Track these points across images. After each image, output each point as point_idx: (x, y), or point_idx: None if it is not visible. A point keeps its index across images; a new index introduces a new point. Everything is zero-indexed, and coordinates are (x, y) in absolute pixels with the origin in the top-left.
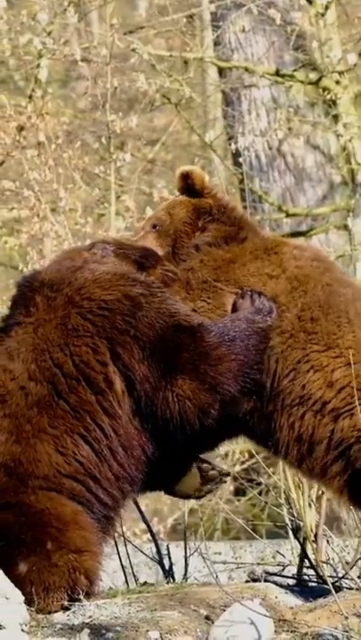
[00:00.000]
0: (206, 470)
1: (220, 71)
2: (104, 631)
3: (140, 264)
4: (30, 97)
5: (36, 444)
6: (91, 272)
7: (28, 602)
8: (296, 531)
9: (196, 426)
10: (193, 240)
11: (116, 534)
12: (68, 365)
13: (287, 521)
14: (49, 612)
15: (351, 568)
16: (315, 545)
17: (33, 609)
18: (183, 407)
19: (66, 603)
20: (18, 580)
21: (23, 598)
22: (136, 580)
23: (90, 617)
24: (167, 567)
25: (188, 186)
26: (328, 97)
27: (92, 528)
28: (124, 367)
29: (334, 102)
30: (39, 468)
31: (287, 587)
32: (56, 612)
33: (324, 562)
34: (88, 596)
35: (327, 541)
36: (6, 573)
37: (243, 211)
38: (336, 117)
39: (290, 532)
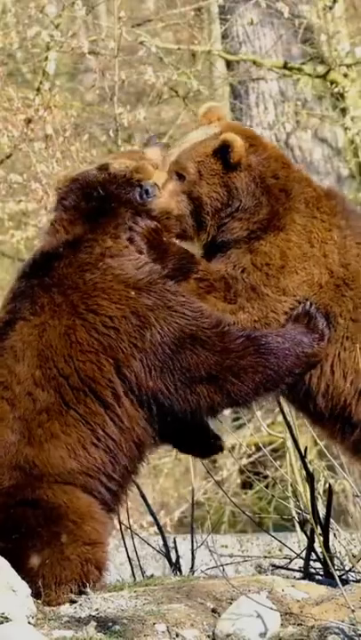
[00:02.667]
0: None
1: (228, 64)
2: (111, 624)
3: (172, 276)
4: (38, 90)
5: (50, 450)
6: (102, 275)
7: (38, 595)
8: (303, 523)
9: (204, 418)
10: (226, 227)
11: (123, 527)
12: (74, 378)
13: (294, 514)
14: (57, 605)
15: (358, 561)
16: (321, 538)
17: (40, 601)
18: (197, 403)
19: (74, 596)
20: (29, 574)
21: (30, 591)
22: (143, 573)
23: (96, 609)
24: (174, 560)
25: (224, 155)
26: (336, 90)
27: (104, 519)
28: (131, 385)
29: (342, 95)
30: (53, 469)
31: (294, 579)
32: (64, 604)
33: (330, 555)
34: (95, 585)
35: (334, 534)
36: (17, 567)
37: (275, 180)
38: (344, 110)
39: (297, 525)
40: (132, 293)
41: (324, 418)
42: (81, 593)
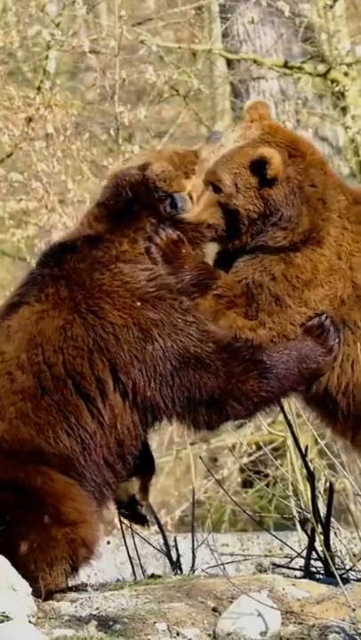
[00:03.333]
0: (138, 502)
1: (229, 63)
2: (111, 623)
3: (187, 292)
4: (39, 88)
5: (19, 426)
6: (110, 278)
7: (33, 580)
8: (303, 522)
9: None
10: (264, 232)
11: (123, 526)
12: (59, 368)
13: (295, 513)
14: (55, 587)
15: (359, 560)
16: (322, 537)
17: (40, 600)
18: (195, 419)
19: (73, 595)
20: (21, 562)
21: (31, 590)
22: (143, 572)
23: (97, 608)
24: (175, 559)
25: (260, 170)
26: (336, 89)
27: (84, 499)
28: (126, 389)
29: (343, 94)
30: (24, 447)
31: (294, 578)
32: (62, 585)
33: (331, 554)
34: (87, 561)
35: (335, 533)
36: (9, 557)
37: (313, 188)
38: (344, 109)
39: (297, 524)
40: (138, 304)
41: (341, 416)
42: (76, 570)
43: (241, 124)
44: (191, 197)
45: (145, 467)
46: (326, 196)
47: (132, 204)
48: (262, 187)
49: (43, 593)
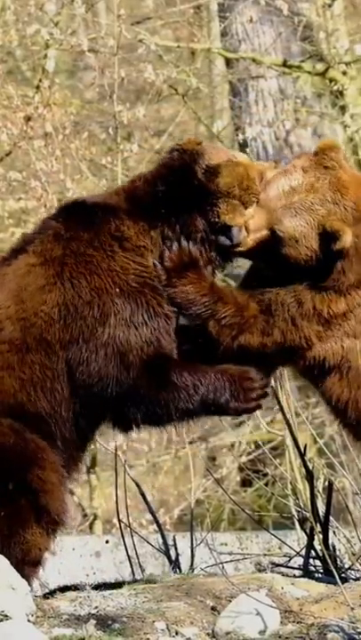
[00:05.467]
0: None
1: (228, 62)
2: (110, 622)
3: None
4: (37, 87)
5: (4, 378)
6: (102, 259)
7: (13, 543)
8: (302, 521)
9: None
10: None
11: (122, 525)
12: (37, 329)
13: (293, 512)
14: (40, 551)
15: (358, 559)
16: (321, 536)
17: (39, 598)
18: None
19: (71, 594)
20: None
21: (30, 588)
22: (142, 571)
23: (96, 607)
24: (173, 558)
25: (328, 239)
26: (335, 88)
27: (53, 466)
28: (68, 364)
29: (341, 93)
30: (4, 398)
31: (293, 577)
32: (47, 547)
33: (330, 553)
34: (54, 529)
35: (334, 532)
36: None
37: (358, 240)
38: (343, 108)
39: (296, 523)
40: (115, 290)
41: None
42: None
43: (313, 163)
44: (247, 229)
45: None
46: None
47: (171, 204)
48: (324, 253)
49: (31, 553)
